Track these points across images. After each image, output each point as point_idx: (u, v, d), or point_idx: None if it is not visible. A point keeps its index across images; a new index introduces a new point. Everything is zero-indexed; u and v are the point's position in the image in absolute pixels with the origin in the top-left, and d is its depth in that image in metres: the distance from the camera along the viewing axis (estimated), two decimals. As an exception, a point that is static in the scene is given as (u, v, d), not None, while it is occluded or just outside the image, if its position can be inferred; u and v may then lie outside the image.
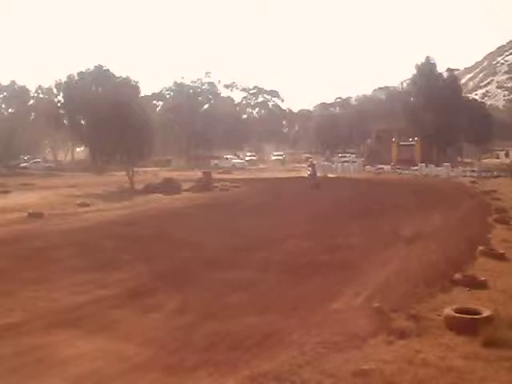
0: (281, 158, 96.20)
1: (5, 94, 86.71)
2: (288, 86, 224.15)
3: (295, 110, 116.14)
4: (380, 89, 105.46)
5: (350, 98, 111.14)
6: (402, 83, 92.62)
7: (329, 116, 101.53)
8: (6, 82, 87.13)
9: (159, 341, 8.75)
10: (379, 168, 65.85)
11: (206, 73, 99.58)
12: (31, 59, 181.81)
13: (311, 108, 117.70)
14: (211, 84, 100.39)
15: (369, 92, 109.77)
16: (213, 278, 13.03)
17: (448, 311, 9.09)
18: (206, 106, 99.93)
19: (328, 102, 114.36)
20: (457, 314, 8.93)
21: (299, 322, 9.49)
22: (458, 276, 11.98)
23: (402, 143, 73.17)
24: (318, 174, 45.52)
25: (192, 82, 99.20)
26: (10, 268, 14.07)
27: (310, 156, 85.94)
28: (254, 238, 18.67)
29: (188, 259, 15.35)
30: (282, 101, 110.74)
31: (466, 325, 8.64)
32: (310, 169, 44.09)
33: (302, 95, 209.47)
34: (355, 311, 9.96)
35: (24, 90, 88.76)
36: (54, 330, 9.20)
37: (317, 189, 38.57)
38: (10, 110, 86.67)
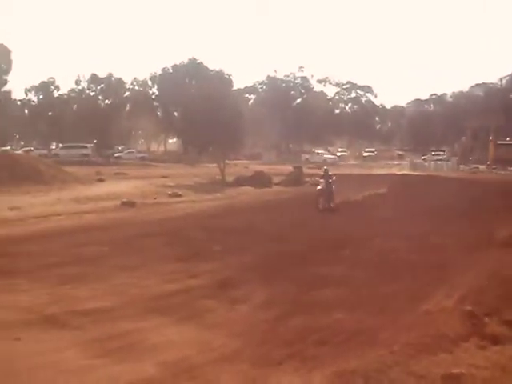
0: (372, 154, 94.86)
1: (102, 86, 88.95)
2: (381, 82, 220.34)
3: (388, 105, 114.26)
4: (477, 85, 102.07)
5: (445, 94, 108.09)
6: (501, 80, 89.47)
7: (423, 113, 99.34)
8: (103, 75, 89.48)
9: (246, 333, 8.81)
10: (474, 167, 63.97)
11: (299, 67, 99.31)
12: (127, 52, 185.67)
13: (404, 104, 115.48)
14: (304, 78, 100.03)
15: (465, 88, 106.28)
16: (300, 272, 13.01)
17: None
18: (298, 101, 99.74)
19: (422, 98, 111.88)
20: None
21: (388, 321, 9.34)
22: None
23: (500, 142, 70.53)
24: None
25: (285, 76, 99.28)
26: (105, 254, 14.56)
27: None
28: (342, 235, 18.53)
29: (276, 253, 15.38)
30: (375, 96, 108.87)
31: None
32: (322, 181, 27.25)
33: (395, 91, 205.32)
34: (446, 313, 9.68)
35: (120, 82, 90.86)
36: (146, 316, 9.44)
37: (330, 212, 25.39)
38: (106, 102, 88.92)
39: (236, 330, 8.89)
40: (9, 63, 75.41)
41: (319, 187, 27.12)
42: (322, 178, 27.58)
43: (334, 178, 27.91)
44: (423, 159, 76.54)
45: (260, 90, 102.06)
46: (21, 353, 7.65)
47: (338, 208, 26.26)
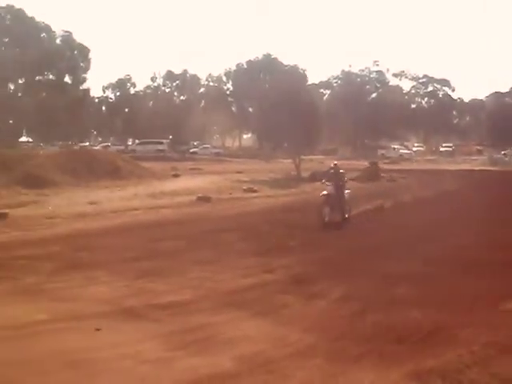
0: (450, 149, 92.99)
1: (177, 82, 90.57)
2: (460, 75, 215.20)
3: (466, 99, 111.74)
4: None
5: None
6: None
7: (503, 106, 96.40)
8: (178, 71, 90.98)
9: (322, 328, 8.73)
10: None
11: (374, 61, 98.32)
12: (202, 48, 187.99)
13: (484, 97, 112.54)
14: (379, 72, 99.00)
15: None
16: (375, 268, 12.83)
17: None
18: (373, 95, 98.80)
19: (502, 90, 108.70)
20: None
21: (467, 319, 9.07)
22: None
23: None
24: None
25: (360, 70, 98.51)
26: (181, 248, 14.77)
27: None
28: (414, 232, 18.21)
29: (350, 248, 15.32)
30: (453, 90, 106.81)
31: None
32: (328, 184, 20.04)
33: (474, 84, 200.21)
34: (530, 313, 9.38)
35: (195, 79, 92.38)
36: (221, 310, 9.50)
37: (340, 227, 19.25)
38: (181, 98, 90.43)
39: (311, 326, 8.83)
40: (87, 62, 77.31)
41: (324, 192, 19.87)
42: (328, 179, 20.37)
43: (347, 178, 21.36)
44: (503, 154, 74.49)
45: (335, 84, 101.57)
46: (102, 343, 7.82)
47: (349, 220, 20.33)
